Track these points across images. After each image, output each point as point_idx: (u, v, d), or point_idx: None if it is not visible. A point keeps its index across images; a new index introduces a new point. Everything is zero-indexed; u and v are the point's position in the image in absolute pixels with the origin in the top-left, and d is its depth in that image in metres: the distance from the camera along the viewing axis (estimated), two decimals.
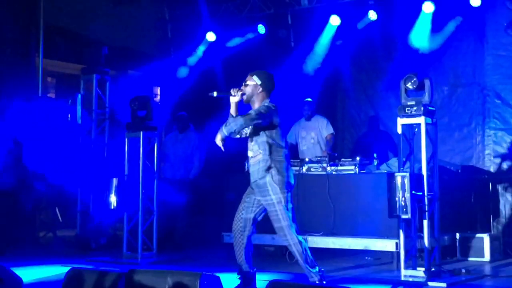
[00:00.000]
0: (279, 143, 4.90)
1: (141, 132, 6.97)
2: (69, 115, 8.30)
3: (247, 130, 4.97)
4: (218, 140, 4.81)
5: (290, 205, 4.89)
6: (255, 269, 5.07)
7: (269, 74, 5.08)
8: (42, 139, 7.89)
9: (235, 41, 9.26)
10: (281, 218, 4.83)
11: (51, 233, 8.55)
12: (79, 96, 8.41)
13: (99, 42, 8.73)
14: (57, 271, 6.07)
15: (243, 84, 5.02)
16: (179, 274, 4.10)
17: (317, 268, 4.85)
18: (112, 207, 7.28)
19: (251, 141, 4.98)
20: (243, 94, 4.96)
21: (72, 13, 8.87)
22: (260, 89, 4.96)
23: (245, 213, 4.99)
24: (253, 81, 4.98)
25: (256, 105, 4.95)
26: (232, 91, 4.96)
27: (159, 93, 9.97)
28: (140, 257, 6.87)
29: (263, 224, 5.29)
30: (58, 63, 9.29)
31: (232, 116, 4.92)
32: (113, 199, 7.25)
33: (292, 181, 4.96)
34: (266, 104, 4.91)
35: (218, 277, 4.04)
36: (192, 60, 9.47)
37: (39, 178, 7.78)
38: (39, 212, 8.30)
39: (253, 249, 5.10)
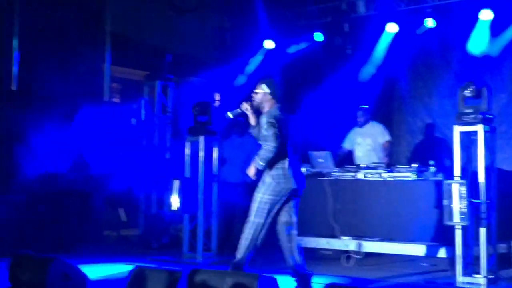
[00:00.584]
0: (278, 150, 5.03)
1: (202, 136, 7.16)
2: (133, 119, 8.63)
3: (256, 134, 5.26)
4: (252, 173, 5.10)
5: (272, 208, 5.07)
6: (311, 272, 5.19)
7: (277, 82, 5.36)
8: (108, 141, 8.20)
9: (292, 49, 9.40)
10: (253, 214, 5.10)
11: (115, 233, 8.81)
12: (143, 101, 8.74)
13: (163, 50, 9.00)
14: (121, 269, 6.25)
15: (253, 92, 5.28)
16: (237, 275, 4.23)
17: None
18: (174, 208, 7.52)
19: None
20: (253, 103, 5.25)
21: (137, 22, 9.16)
22: (270, 96, 5.23)
23: (281, 217, 5.19)
24: (262, 90, 5.24)
25: (266, 109, 5.21)
26: (243, 106, 5.28)
27: (219, 99, 10.19)
28: (200, 257, 7.04)
29: (318, 227, 5.38)
30: (123, 69, 9.60)
31: (252, 126, 5.29)
32: (174, 200, 7.49)
33: (285, 189, 5.07)
34: (270, 114, 5.09)
35: (275, 279, 4.16)
36: (250, 68, 9.68)
37: (107, 179, 8.08)
38: (105, 212, 8.60)
39: (303, 251, 5.23)
